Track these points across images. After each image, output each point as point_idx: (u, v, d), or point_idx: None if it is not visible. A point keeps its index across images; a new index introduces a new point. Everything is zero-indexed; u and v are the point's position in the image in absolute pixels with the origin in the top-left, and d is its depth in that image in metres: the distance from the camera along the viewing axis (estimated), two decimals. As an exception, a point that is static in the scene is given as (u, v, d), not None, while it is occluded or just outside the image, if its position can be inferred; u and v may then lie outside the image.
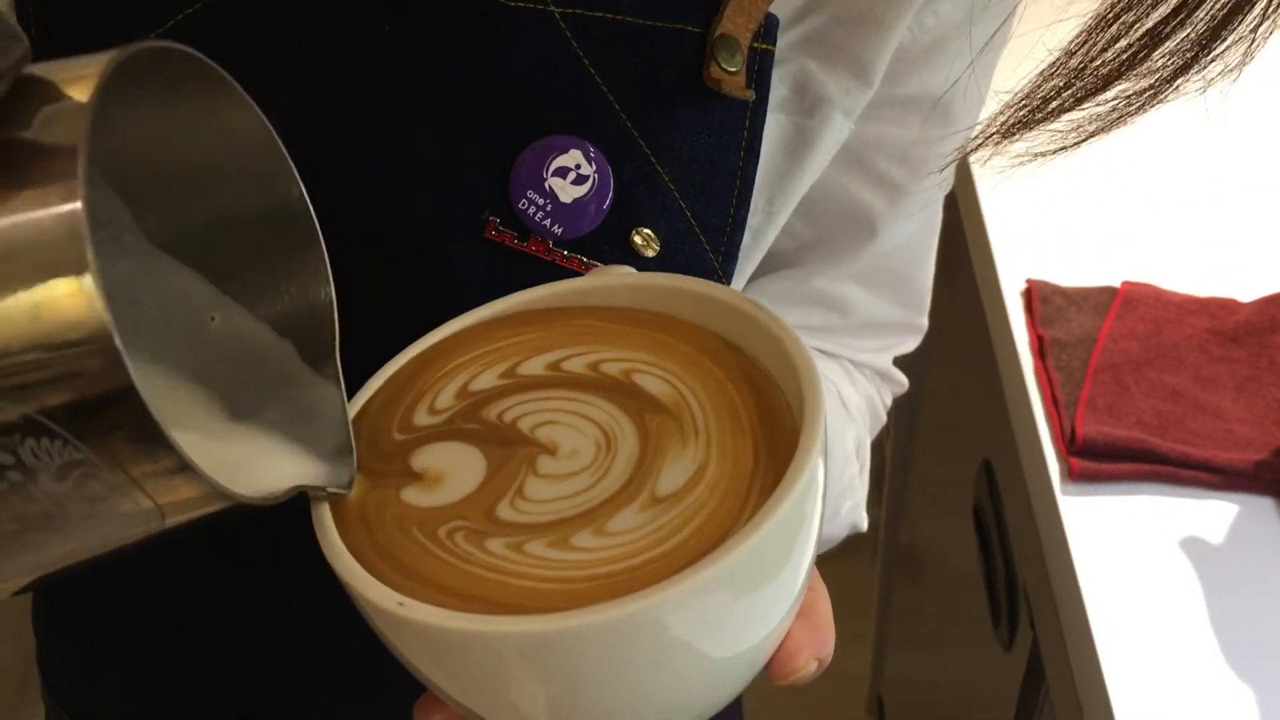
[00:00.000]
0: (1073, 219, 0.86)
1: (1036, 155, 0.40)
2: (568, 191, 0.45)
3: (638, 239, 0.45)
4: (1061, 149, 0.39)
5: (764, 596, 0.28)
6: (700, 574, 0.25)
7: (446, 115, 0.44)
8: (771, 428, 0.30)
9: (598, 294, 0.37)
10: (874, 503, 1.76)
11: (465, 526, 0.29)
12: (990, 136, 0.40)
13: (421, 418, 0.34)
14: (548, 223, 0.45)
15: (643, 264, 0.45)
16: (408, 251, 0.44)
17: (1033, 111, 0.39)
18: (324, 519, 0.30)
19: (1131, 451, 0.66)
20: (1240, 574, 0.61)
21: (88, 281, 0.23)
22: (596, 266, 0.45)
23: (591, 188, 0.45)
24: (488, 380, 0.34)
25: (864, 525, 0.60)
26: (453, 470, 0.31)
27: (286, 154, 0.32)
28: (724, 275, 0.46)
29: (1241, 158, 0.90)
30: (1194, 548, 0.63)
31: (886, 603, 1.47)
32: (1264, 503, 0.65)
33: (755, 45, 0.44)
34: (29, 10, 0.43)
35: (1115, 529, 0.64)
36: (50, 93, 0.25)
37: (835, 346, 0.58)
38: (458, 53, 0.43)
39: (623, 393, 0.32)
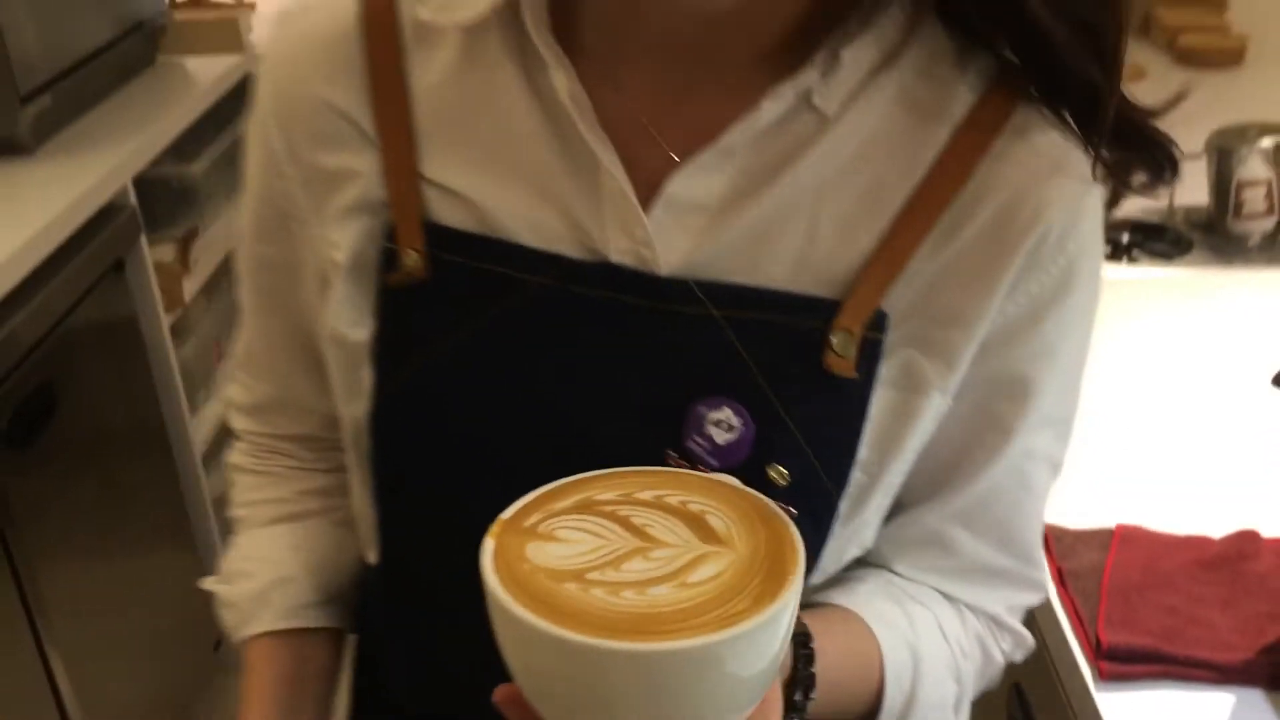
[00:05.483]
0: (1068, 467, 1.04)
1: None
2: (722, 437, 0.62)
3: (772, 473, 0.61)
4: None
5: (758, 660, 0.44)
6: (716, 636, 0.41)
7: (635, 378, 0.61)
8: (771, 562, 0.46)
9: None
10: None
11: (590, 581, 0.45)
12: None
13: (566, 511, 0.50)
14: (708, 458, 0.62)
15: (776, 492, 0.62)
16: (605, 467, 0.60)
17: None
18: (487, 557, 0.45)
19: (1147, 655, 0.81)
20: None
21: None
22: None
23: (739, 435, 0.62)
24: (611, 495, 0.51)
25: None
26: (581, 542, 0.47)
27: None
28: (837, 497, 0.63)
29: (1208, 412, 1.10)
30: (1204, 731, 0.77)
31: None
32: (1254, 694, 0.80)
33: (867, 334, 0.60)
34: None
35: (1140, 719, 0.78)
36: None
37: (952, 589, 0.68)
38: (645, 337, 0.61)
39: (689, 519, 0.49)
